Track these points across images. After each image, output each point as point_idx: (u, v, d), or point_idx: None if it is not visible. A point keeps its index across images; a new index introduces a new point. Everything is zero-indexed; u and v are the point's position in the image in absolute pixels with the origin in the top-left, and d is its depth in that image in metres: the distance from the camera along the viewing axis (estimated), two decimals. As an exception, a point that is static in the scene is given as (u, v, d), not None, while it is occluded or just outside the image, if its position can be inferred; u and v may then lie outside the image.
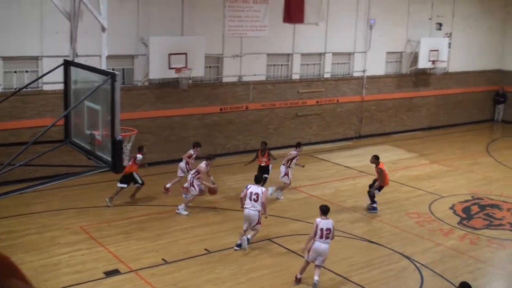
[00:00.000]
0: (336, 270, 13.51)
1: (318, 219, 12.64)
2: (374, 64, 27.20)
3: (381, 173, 17.40)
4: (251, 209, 14.27)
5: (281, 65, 24.54)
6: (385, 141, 26.97)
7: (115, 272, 12.96)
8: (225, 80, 22.83)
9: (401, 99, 28.74)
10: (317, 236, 12.51)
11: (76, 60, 10.59)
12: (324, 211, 12.73)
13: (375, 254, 14.60)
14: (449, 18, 29.90)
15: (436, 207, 18.32)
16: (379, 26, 26.74)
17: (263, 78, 23.83)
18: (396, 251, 14.74)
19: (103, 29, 9.50)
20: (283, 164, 18.39)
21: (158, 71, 20.39)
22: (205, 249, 14.33)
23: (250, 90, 23.34)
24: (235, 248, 14.48)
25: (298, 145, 18.75)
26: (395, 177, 20.78)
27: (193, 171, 16.93)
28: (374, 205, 17.71)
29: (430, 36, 28.95)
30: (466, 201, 19.04)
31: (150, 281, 12.62)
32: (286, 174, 18.34)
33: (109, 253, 13.91)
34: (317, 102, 25.42)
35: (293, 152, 18.54)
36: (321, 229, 12.50)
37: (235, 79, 23.02)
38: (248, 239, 14.59)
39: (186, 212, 16.76)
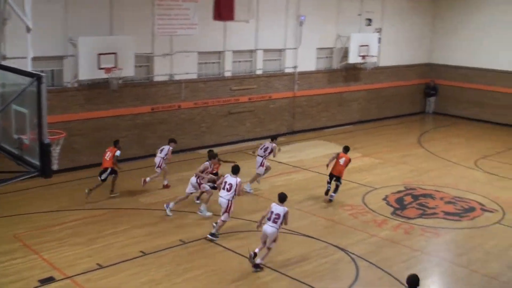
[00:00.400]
0: (272, 265, 13.54)
1: (274, 204, 13.44)
2: (305, 60, 27.41)
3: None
4: (224, 197, 14.76)
5: (213, 62, 24.45)
6: (318, 136, 27.24)
7: (50, 279, 12.61)
8: (156, 79, 22.57)
9: (332, 94, 29.07)
10: (267, 219, 13.22)
11: (5, 63, 10.27)
12: (280, 198, 13.52)
13: (311, 247, 14.70)
14: (378, 14, 30.40)
15: (369, 199, 18.61)
16: (309, 22, 26.95)
17: (194, 76, 23.68)
18: (331, 244, 14.89)
19: (28, 29, 9.29)
20: (260, 156, 19.03)
21: (87, 71, 19.93)
22: (141, 251, 14.13)
23: (182, 88, 23.14)
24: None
25: (274, 138, 19.82)
26: (328, 172, 21.01)
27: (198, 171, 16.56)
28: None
29: (360, 31, 29.38)
30: (399, 192, 19.41)
31: (85, 287, 12.35)
32: (262, 165, 18.89)
33: (44, 260, 13.54)
34: (249, 99, 25.44)
35: (272, 144, 19.22)
36: (271, 212, 13.23)
37: (166, 78, 22.80)
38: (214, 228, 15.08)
39: (209, 213, 16.49)
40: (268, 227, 13.24)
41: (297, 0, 26.50)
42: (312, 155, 23.90)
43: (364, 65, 29.50)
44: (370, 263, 13.88)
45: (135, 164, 21.31)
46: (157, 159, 18.63)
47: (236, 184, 14.64)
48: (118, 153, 17.75)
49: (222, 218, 14.89)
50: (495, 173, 22.21)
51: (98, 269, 13.18)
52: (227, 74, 24.70)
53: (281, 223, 13.31)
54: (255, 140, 25.54)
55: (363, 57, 28.74)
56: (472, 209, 18.08)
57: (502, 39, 31.11)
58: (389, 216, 17.10)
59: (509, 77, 31.07)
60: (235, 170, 14.96)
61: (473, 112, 32.42)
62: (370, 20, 29.99)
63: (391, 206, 18.02)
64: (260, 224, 13.46)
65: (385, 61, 31.37)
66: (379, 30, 30.47)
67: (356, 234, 15.68)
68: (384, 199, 18.64)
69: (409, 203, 18.29)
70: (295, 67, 27.03)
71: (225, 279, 12.85)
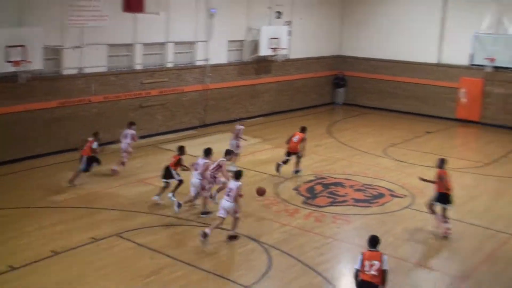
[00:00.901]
0: (184, 258, 13.51)
1: (231, 180, 14.75)
2: (216, 52, 27.41)
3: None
4: (197, 178, 16.06)
5: (123, 55, 24.10)
6: (230, 129, 26.99)
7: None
8: (65, 72, 22.05)
9: (244, 86, 29.23)
10: (225, 194, 14.65)
11: None
12: (236, 174, 14.82)
13: (223, 239, 14.73)
14: (288, 7, 30.72)
15: (281, 189, 18.83)
16: (220, 15, 26.97)
17: (105, 69, 23.29)
18: (243, 235, 14.94)
19: None
20: (234, 139, 21.05)
21: (-6, 65, 19.24)
22: (52, 251, 13.74)
23: (92, 82, 22.72)
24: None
25: (240, 120, 22.86)
26: (242, 163, 21.14)
27: (214, 165, 16.62)
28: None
29: (270, 24, 29.64)
30: (310, 181, 19.73)
31: (-4, 289, 11.99)
32: (238, 145, 20.98)
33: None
34: (161, 92, 25.23)
35: (240, 126, 21.33)
36: (228, 188, 14.58)
37: (75, 72, 22.31)
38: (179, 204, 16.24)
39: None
40: (225, 202, 14.50)
41: (208, -7, 26.50)
42: (225, 147, 23.82)
43: (275, 58, 29.83)
44: (283, 252, 14.07)
45: (45, 161, 20.79)
46: (123, 145, 19.68)
47: (203, 164, 15.87)
48: (95, 144, 18.30)
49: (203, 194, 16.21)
50: (404, 160, 22.93)
51: (10, 271, 12.72)
52: (138, 67, 24.41)
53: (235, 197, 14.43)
54: (167, 134, 25.42)
55: (274, 49, 29.02)
56: (381, 196, 18.62)
57: (409, 31, 32.12)
58: (301, 206, 17.38)
59: (415, 68, 32.16)
60: (207, 153, 16.30)
61: (381, 103, 33.35)
62: (280, 13, 30.30)
63: (302, 195, 18.31)
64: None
65: (295, 54, 31.80)
66: (289, 23, 30.83)
67: (268, 224, 15.85)
68: (295, 189, 18.92)
69: (320, 192, 18.64)
70: (206, 59, 26.99)
71: (137, 275, 12.70)
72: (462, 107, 30.36)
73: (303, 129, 20.78)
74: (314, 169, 21.11)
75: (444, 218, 15.53)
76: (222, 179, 16.67)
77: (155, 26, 24.49)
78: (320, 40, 33.54)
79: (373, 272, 10.50)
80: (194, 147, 23.56)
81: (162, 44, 25.31)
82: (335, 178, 20.22)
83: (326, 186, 19.29)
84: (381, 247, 13.37)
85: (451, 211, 16.01)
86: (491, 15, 29.02)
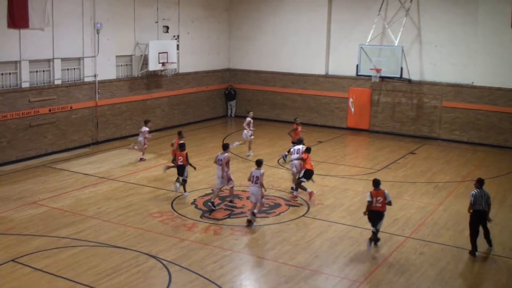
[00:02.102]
0: (83, 280, 13.11)
1: (253, 169, 17.27)
2: (104, 68, 26.94)
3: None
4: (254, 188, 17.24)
5: (9, 73, 23.18)
6: (123, 145, 26.83)
7: None
8: None
9: (135, 101, 28.87)
10: (251, 182, 16.97)
11: None
12: (258, 163, 17.37)
13: (122, 258, 14.40)
14: (175, 21, 30.67)
15: (178, 204, 18.66)
16: (107, 30, 26.57)
17: (-11, 88, 22.38)
18: (142, 252, 14.70)
19: None
20: (246, 130, 25.19)
21: None
22: None
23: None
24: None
25: (249, 111, 26.53)
26: (136, 179, 20.84)
27: (297, 156, 19.68)
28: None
29: (158, 38, 29.47)
30: (207, 194, 19.66)
31: None
32: (252, 135, 25.19)
33: None
34: (50, 110, 24.45)
35: (250, 118, 25.46)
36: (253, 177, 16.93)
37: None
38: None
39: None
40: (253, 187, 16.93)
41: (93, 7, 25.96)
42: (118, 164, 23.54)
43: (165, 72, 29.67)
44: (182, 267, 13.92)
45: None
46: (140, 139, 24.02)
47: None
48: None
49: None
50: (297, 170, 23.29)
51: None
52: (25, 85, 23.54)
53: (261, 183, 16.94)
54: (58, 153, 24.66)
55: (163, 64, 28.84)
56: (278, 205, 18.81)
57: (297, 44, 32.92)
58: (199, 220, 17.28)
59: (305, 80, 32.92)
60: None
61: (273, 114, 33.87)
62: (167, 27, 30.21)
63: (200, 209, 18.22)
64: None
65: (185, 68, 31.81)
66: (176, 37, 30.77)
67: (167, 240, 15.65)
68: (193, 203, 18.81)
69: (217, 205, 18.59)
70: (95, 75, 26.44)
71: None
72: (352, 116, 31.30)
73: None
74: (210, 183, 21.04)
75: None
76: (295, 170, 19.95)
77: (41, 42, 23.79)
78: (209, 54, 33.70)
79: (378, 204, 15.31)
80: (86, 166, 23.16)
81: (49, 60, 24.56)
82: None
83: (223, 198, 19.27)
84: (276, 256, 13.52)
85: (348, 217, 16.64)
86: (376, 28, 30.11)
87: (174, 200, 18.98)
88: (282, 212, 18.28)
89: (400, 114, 30.20)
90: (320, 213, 18.32)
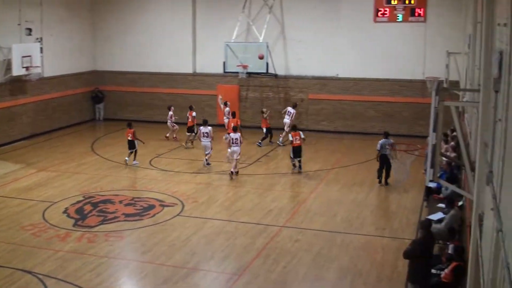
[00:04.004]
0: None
1: (232, 133, 22.20)
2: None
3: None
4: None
5: None
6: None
7: None
8: None
9: (0, 109, 27.72)
10: (232, 143, 21.88)
11: None
12: (234, 129, 22.56)
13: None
14: (38, 23, 29.69)
15: (50, 214, 18.13)
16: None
17: None
18: (17, 269, 14.16)
19: None
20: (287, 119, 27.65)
21: None
22: None
23: None
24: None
25: (295, 105, 28.21)
26: (5, 192, 20.13)
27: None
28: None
29: (21, 42, 28.39)
30: (78, 202, 19.26)
31: None
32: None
33: None
34: None
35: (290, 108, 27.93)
36: (232, 139, 21.86)
37: None
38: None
39: None
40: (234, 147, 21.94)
41: None
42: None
43: (29, 77, 28.60)
44: (59, 279, 13.61)
45: None
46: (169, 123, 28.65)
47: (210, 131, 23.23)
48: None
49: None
50: (170, 169, 23.34)
51: None
52: None
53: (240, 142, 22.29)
54: None
55: (27, 68, 27.86)
56: (152, 207, 18.77)
57: (163, 43, 32.81)
58: (71, 228, 16.90)
59: (173, 79, 32.96)
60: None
61: (143, 115, 33.56)
62: (30, 29, 29.15)
63: (72, 217, 17.81)
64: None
65: (50, 71, 30.82)
66: (40, 40, 29.80)
67: (41, 253, 15.17)
68: (64, 212, 18.34)
69: (89, 212, 18.29)
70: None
71: None
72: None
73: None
74: (81, 189, 20.64)
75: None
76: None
77: None
78: (74, 56, 32.87)
79: (298, 141, 22.32)
80: None
81: None
82: (103, 195, 19.96)
83: (95, 205, 18.97)
84: (153, 258, 13.60)
85: (224, 212, 17.01)
86: (240, 25, 30.57)
87: (45, 210, 18.44)
88: (157, 213, 18.26)
89: (269, 108, 30.83)
90: (195, 210, 18.49)
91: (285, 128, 27.31)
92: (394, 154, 21.47)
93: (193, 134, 26.80)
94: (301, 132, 23.16)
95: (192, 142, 27.19)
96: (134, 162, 24.02)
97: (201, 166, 23.59)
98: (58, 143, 28.50)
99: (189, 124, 27.29)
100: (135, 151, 24.07)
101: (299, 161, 22.85)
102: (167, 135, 28.77)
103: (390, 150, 21.06)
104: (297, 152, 22.70)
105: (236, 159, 22.08)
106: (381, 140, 21.02)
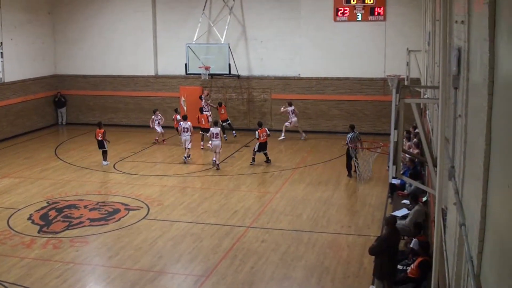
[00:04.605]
0: None
1: (212, 128, 23.54)
2: None
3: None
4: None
5: None
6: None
7: None
8: None
9: (-42, 117, 27.29)
10: (212, 138, 23.23)
11: None
12: (215, 123, 24.28)
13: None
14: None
15: (14, 221, 17.90)
16: None
17: None
18: (-21, 277, 14.05)
19: None
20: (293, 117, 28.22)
21: None
22: None
23: None
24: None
25: (290, 104, 28.61)
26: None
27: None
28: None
29: (-20, 47, 28.02)
30: (43, 208, 19.05)
31: None
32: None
33: None
34: None
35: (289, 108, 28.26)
36: (212, 133, 23.28)
37: None
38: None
39: None
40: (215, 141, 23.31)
41: None
42: None
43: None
44: (25, 287, 13.46)
45: None
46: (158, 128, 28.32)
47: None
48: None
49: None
50: (134, 172, 23.23)
51: None
52: None
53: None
54: None
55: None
56: (117, 211, 18.67)
57: (125, 46, 32.64)
58: (36, 235, 16.71)
59: (135, 81, 32.79)
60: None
61: (106, 118, 33.26)
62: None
63: (37, 224, 17.61)
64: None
65: (11, 76, 30.41)
66: (0, 45, 29.37)
67: (6, 260, 14.96)
68: (29, 218, 18.13)
69: (54, 218, 18.10)
70: None
71: None
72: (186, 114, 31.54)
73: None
74: (45, 195, 20.43)
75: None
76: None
77: None
78: (34, 61, 32.48)
79: (264, 138, 23.48)
80: None
81: None
82: (68, 200, 19.79)
83: (60, 210, 18.79)
84: (120, 262, 13.52)
85: (189, 214, 16.94)
86: (201, 26, 30.55)
87: (9, 217, 18.20)
88: (122, 217, 18.16)
89: (232, 109, 30.89)
90: (161, 213, 18.44)
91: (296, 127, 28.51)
92: (355, 152, 22.00)
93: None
94: (267, 129, 24.01)
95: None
96: (104, 163, 24.27)
97: (168, 169, 23.53)
98: (21, 149, 28.12)
99: (175, 126, 27.74)
100: (105, 151, 24.39)
101: (265, 154, 24.10)
102: (157, 138, 28.72)
103: (352, 148, 21.65)
104: (263, 147, 23.89)
105: (218, 152, 23.53)
106: (350, 134, 21.97)
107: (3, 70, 29.49)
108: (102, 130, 24.33)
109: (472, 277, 5.65)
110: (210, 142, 23.92)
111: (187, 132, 24.96)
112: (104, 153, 24.51)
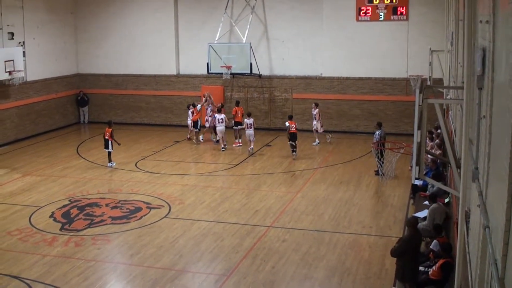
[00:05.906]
0: None
1: (246, 119, 25.84)
2: None
3: None
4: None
5: None
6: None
7: None
8: None
9: (-18, 115, 27.59)
10: (247, 127, 25.51)
11: None
12: (248, 115, 26.26)
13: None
14: (20, 27, 29.52)
15: (36, 219, 18.05)
16: None
17: None
18: (4, 274, 14.10)
19: None
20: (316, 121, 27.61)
21: None
22: None
23: None
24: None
25: (316, 105, 27.98)
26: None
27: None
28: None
29: (4, 46, 28.21)
30: (64, 206, 19.19)
31: None
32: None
33: None
34: None
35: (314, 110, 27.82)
36: (247, 124, 25.50)
37: None
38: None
39: None
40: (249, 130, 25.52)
41: None
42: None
43: (12, 81, 28.44)
44: (46, 284, 13.55)
45: None
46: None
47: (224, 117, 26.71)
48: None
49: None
50: (156, 171, 23.30)
51: None
52: None
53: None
54: None
55: (10, 72, 27.68)
56: (138, 209, 18.74)
57: (147, 46, 32.76)
58: (58, 233, 16.83)
59: (157, 81, 32.92)
60: (219, 110, 27.04)
61: (127, 117, 33.49)
62: (12, 33, 29.00)
63: (59, 222, 17.75)
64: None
65: (33, 75, 30.68)
66: (22, 44, 29.64)
67: (28, 258, 15.10)
68: (51, 216, 18.27)
69: (76, 215, 18.23)
70: None
71: None
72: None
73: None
74: (67, 193, 20.56)
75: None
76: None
77: None
78: (56, 60, 32.70)
79: (294, 129, 24.60)
80: None
81: None
82: (89, 199, 19.91)
83: (81, 208, 18.91)
84: (141, 260, 13.57)
85: (210, 213, 16.99)
86: (223, 26, 30.57)
87: (31, 215, 18.35)
88: (144, 215, 18.23)
89: (253, 109, 30.86)
90: (182, 212, 18.47)
91: (318, 129, 27.88)
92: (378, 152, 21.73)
93: (197, 130, 28.35)
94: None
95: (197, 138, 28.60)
96: (109, 164, 24.05)
97: (189, 168, 23.58)
98: (43, 147, 28.34)
99: (193, 119, 28.18)
100: (109, 152, 24.03)
101: (294, 145, 24.97)
102: (188, 136, 29.18)
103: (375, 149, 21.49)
104: (293, 137, 24.81)
105: (252, 141, 25.91)
106: (378, 131, 22.22)
107: (26, 69, 29.69)
108: (110, 130, 23.90)
109: (496, 280, 5.58)
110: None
111: (221, 123, 26.39)
112: (108, 154, 24.09)
